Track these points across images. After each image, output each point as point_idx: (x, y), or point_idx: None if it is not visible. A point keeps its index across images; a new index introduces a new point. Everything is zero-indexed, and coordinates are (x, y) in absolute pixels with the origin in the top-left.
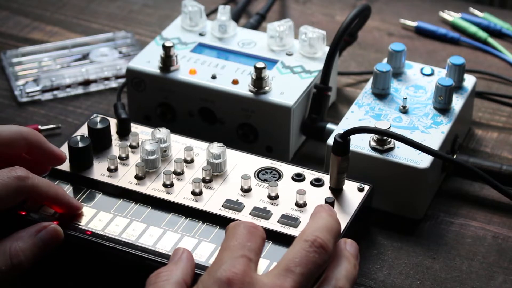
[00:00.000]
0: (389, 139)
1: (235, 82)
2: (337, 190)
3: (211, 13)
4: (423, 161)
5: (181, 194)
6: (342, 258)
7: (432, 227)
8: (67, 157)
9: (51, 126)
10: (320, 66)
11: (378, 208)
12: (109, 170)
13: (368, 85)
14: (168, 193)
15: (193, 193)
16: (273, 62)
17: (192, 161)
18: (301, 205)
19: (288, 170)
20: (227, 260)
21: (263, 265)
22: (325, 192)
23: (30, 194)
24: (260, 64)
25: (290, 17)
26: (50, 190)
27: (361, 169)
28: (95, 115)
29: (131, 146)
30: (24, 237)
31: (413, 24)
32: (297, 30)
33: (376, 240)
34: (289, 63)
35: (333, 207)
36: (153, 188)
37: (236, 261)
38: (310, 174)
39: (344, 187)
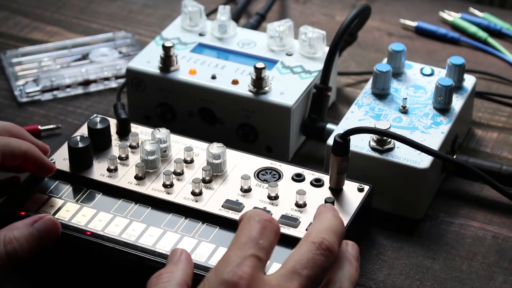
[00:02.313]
0: (389, 139)
1: (235, 82)
2: (337, 190)
3: (211, 13)
4: (423, 161)
5: (181, 194)
6: (344, 260)
7: (432, 227)
8: (67, 157)
9: (51, 126)
10: (320, 66)
11: (378, 208)
12: (109, 170)
13: (368, 85)
14: (168, 193)
15: (193, 193)
16: (273, 62)
17: (192, 161)
18: (301, 206)
19: (288, 170)
20: (235, 260)
21: None
22: (325, 192)
23: (4, 152)
24: (260, 64)
25: (290, 17)
26: (22, 144)
27: (361, 169)
28: (95, 115)
29: (131, 146)
30: (19, 227)
31: (413, 24)
32: (297, 30)
33: (376, 240)
34: (289, 63)
35: None
36: (153, 188)
37: (244, 262)
38: (310, 174)
39: (344, 187)
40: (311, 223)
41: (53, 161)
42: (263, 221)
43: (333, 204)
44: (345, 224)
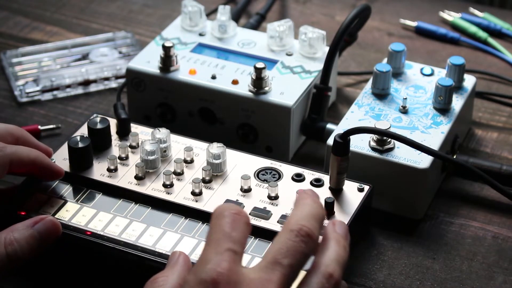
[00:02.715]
0: (389, 139)
1: (235, 82)
2: (337, 190)
3: (211, 13)
4: (423, 161)
5: (181, 194)
6: (330, 241)
7: (432, 227)
8: (67, 157)
9: (51, 126)
10: (320, 66)
11: (378, 208)
12: (109, 170)
13: (368, 85)
14: (168, 193)
15: (193, 193)
16: (273, 62)
17: (192, 161)
18: None
19: (288, 170)
20: (212, 258)
21: None
22: (325, 192)
23: (13, 160)
24: (260, 64)
25: (290, 17)
26: (31, 152)
27: (361, 169)
28: (95, 115)
29: (131, 146)
30: (20, 228)
31: (413, 24)
32: (297, 30)
33: (376, 240)
34: (289, 63)
35: (333, 208)
36: (153, 188)
37: (220, 257)
38: (310, 174)
39: (344, 187)
40: None
41: (53, 161)
42: (231, 215)
43: (333, 204)
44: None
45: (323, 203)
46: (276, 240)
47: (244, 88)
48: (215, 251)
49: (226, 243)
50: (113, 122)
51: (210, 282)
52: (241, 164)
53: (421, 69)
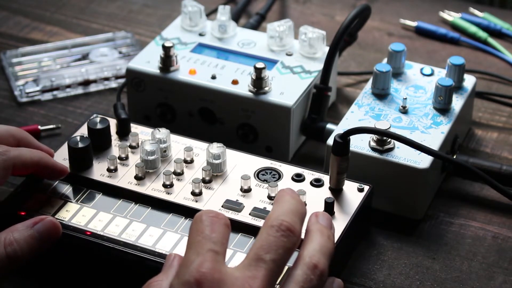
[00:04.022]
0: (389, 139)
1: (235, 82)
2: (337, 191)
3: (211, 13)
4: (423, 161)
5: (181, 195)
6: (314, 232)
7: (432, 227)
8: (67, 157)
9: (51, 126)
10: (320, 66)
11: (378, 208)
12: (108, 170)
13: (368, 85)
14: (168, 194)
15: (193, 193)
16: (273, 62)
17: (192, 161)
18: None
19: (288, 170)
20: (194, 259)
21: None
22: (325, 192)
23: (16, 164)
24: (260, 64)
25: (290, 17)
26: (34, 154)
27: (361, 169)
28: (95, 115)
29: (131, 146)
30: (20, 228)
31: (413, 24)
32: (297, 30)
33: (376, 240)
34: (289, 63)
35: (333, 208)
36: (152, 188)
37: (202, 258)
38: (310, 175)
39: (344, 187)
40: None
41: None
42: (210, 218)
43: (333, 204)
44: (345, 224)
45: (323, 203)
46: (258, 237)
47: (244, 88)
48: (196, 253)
49: (207, 244)
50: (113, 122)
51: (194, 283)
52: (241, 164)
53: (421, 69)
